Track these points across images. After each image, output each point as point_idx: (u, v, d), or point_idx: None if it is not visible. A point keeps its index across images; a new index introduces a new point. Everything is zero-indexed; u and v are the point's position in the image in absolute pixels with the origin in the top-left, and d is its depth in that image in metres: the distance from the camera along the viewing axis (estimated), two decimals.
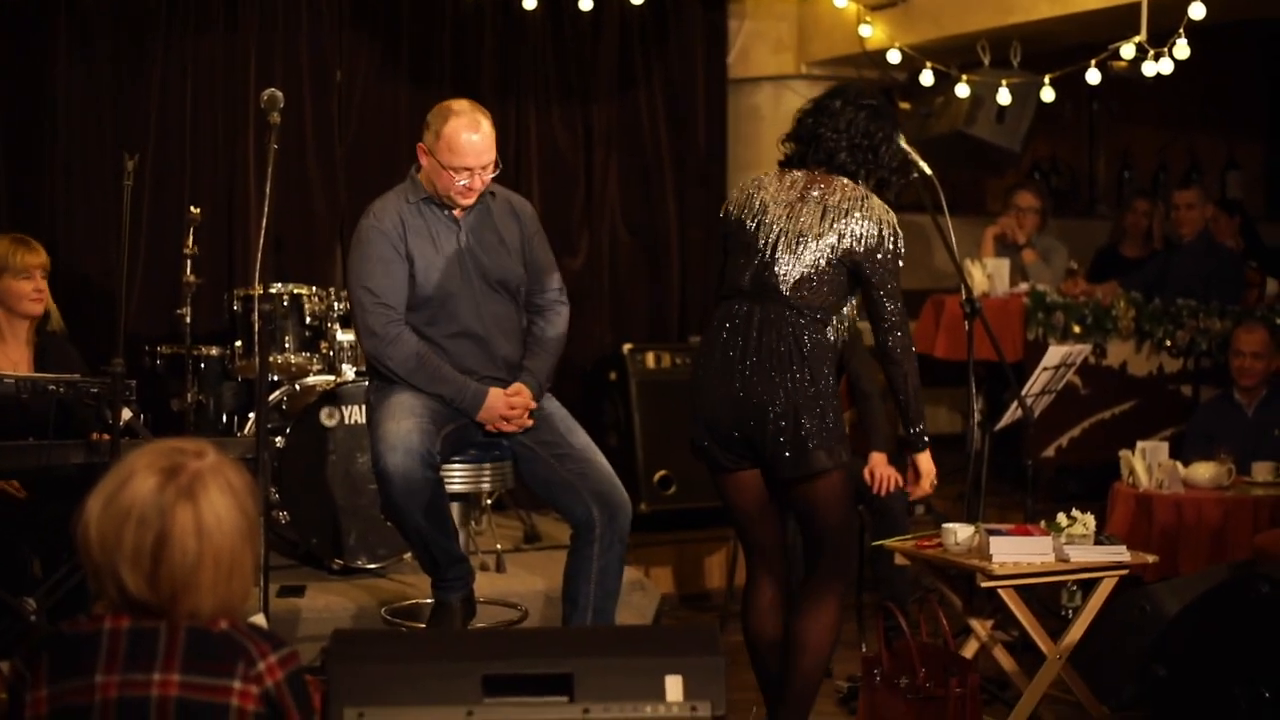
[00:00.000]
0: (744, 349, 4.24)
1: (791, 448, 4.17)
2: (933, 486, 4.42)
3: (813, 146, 4.33)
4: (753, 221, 4.29)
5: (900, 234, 4.26)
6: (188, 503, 2.44)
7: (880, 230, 4.20)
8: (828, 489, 4.24)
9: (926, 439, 4.37)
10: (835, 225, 4.20)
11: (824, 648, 4.33)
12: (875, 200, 4.26)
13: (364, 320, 4.64)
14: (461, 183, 4.61)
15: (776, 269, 4.23)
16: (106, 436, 4.58)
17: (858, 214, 4.21)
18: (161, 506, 2.44)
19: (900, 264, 4.26)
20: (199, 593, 2.45)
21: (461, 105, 4.69)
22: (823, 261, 4.19)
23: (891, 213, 4.27)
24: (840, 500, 4.29)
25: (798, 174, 4.33)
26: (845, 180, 4.29)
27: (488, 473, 4.80)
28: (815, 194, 4.26)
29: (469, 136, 4.60)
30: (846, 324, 4.34)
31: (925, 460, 4.39)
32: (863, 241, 4.19)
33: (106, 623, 2.48)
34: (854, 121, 4.31)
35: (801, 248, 4.21)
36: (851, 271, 4.22)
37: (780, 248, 4.23)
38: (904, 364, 4.27)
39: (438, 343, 4.67)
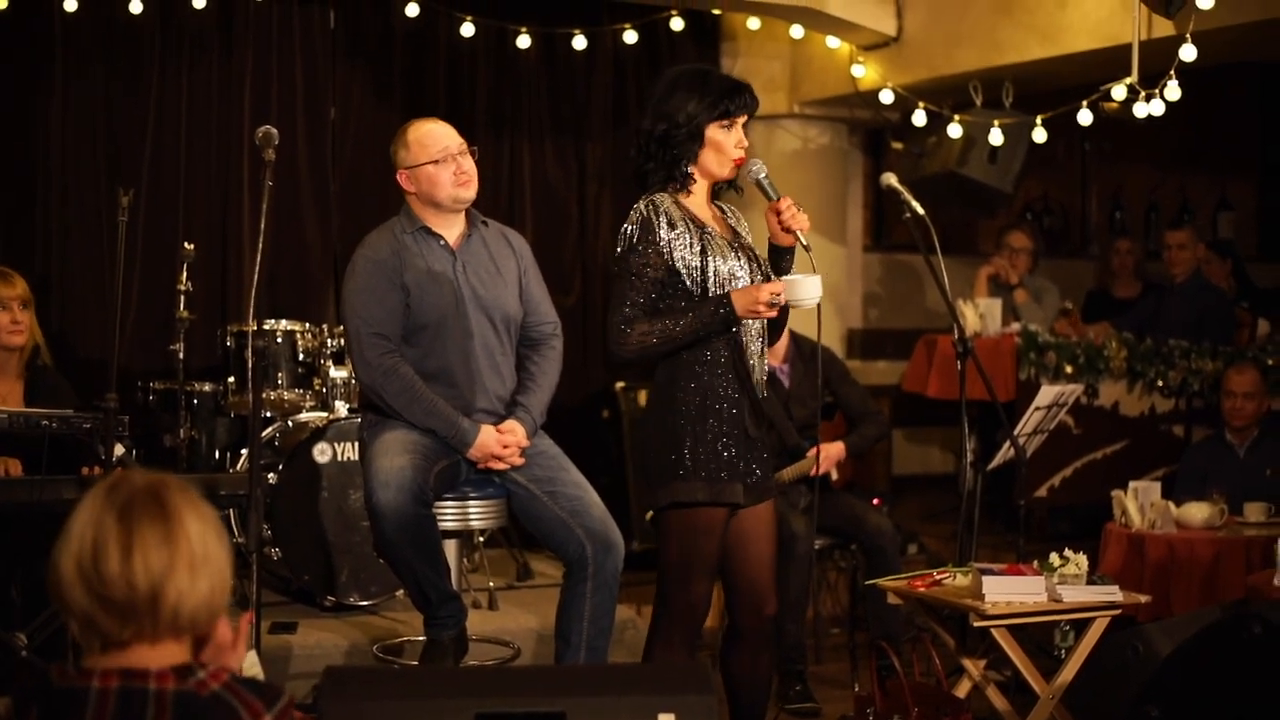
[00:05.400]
0: None
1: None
2: None
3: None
4: None
5: (634, 224, 4.00)
6: (121, 525, 2.29)
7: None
8: (661, 525, 4.12)
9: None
10: None
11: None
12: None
13: (359, 350, 4.64)
14: (452, 169, 4.66)
15: None
16: (99, 471, 4.56)
17: None
18: (99, 524, 2.30)
19: (623, 260, 4.01)
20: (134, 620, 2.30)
21: (412, 120, 4.84)
22: None
23: (641, 206, 4.04)
24: (665, 541, 4.10)
25: None
26: None
27: (481, 510, 4.79)
28: None
29: (432, 126, 4.76)
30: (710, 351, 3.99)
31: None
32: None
33: (96, 681, 2.33)
34: (641, 133, 4.18)
35: None
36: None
37: None
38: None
39: (430, 375, 4.65)
